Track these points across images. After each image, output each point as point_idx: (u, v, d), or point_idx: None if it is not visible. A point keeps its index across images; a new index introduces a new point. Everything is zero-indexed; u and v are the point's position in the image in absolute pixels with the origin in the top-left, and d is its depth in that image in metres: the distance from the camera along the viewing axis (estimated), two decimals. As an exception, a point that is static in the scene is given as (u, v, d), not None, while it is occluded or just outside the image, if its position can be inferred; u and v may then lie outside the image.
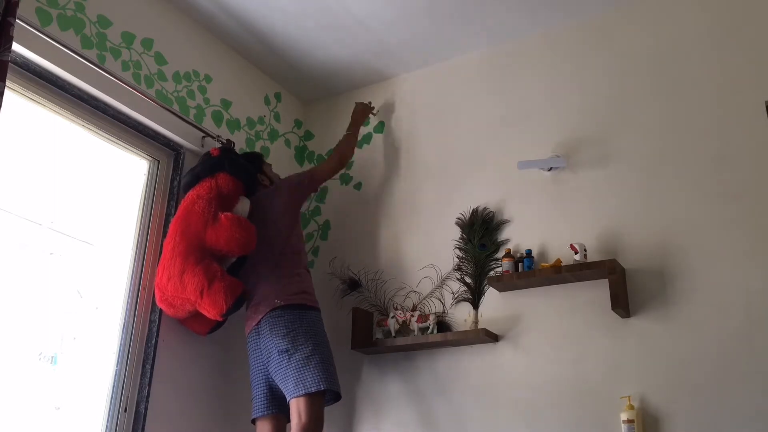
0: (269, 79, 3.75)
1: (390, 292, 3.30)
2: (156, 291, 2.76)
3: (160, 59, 3.07)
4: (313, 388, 2.59)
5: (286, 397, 2.67)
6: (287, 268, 2.87)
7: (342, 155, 3.34)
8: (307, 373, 2.62)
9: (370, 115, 3.65)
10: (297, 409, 2.60)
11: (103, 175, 2.88)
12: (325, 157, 3.79)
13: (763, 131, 2.66)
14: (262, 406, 2.75)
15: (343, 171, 3.70)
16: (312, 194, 3.56)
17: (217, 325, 2.86)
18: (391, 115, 3.66)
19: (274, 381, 2.73)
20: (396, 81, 3.72)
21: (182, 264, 2.68)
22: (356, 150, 3.69)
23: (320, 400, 2.64)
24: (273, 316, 2.74)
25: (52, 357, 2.54)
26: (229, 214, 2.80)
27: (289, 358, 2.66)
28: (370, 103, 3.64)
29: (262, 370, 2.77)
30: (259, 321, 2.77)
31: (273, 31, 3.39)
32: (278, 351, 2.69)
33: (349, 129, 3.45)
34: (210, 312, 2.66)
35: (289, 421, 2.70)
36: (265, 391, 2.76)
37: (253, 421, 2.81)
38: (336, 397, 2.75)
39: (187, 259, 2.68)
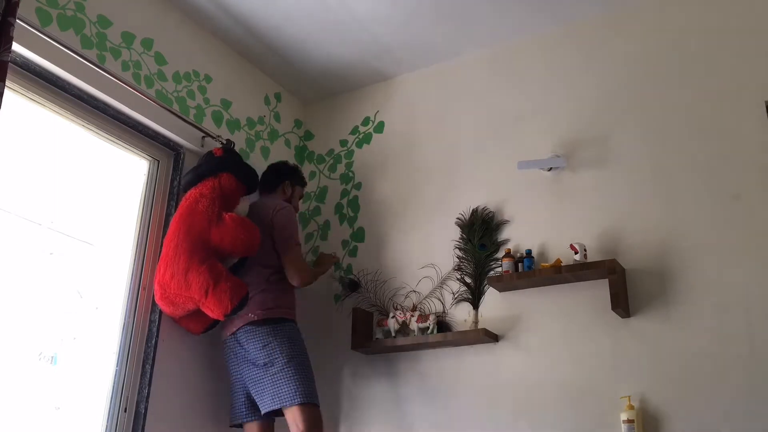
0: (269, 79, 3.75)
1: (390, 292, 3.29)
2: (156, 287, 2.75)
3: (160, 59, 3.07)
4: (287, 403, 2.61)
5: (261, 409, 2.68)
6: (265, 280, 2.86)
7: (307, 280, 2.95)
8: (283, 387, 2.64)
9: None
10: (293, 419, 2.62)
11: (103, 175, 2.88)
12: (325, 158, 3.79)
13: (763, 131, 2.66)
14: (243, 413, 2.77)
15: (343, 171, 3.70)
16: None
17: (211, 325, 2.86)
18: (391, 115, 3.67)
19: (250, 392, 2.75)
20: (396, 81, 3.72)
21: (187, 262, 2.67)
22: (356, 150, 3.70)
23: (313, 407, 2.66)
24: (247, 331, 2.75)
25: (52, 357, 2.54)
26: (233, 214, 2.80)
27: (265, 372, 2.68)
28: (334, 253, 3.41)
29: (240, 378, 2.79)
30: (235, 332, 2.78)
31: (273, 31, 3.39)
32: (254, 365, 2.71)
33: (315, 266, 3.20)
34: (214, 312, 2.66)
35: (272, 424, 2.76)
36: (244, 399, 2.78)
37: (236, 426, 2.82)
38: None
39: (192, 258, 2.68)
